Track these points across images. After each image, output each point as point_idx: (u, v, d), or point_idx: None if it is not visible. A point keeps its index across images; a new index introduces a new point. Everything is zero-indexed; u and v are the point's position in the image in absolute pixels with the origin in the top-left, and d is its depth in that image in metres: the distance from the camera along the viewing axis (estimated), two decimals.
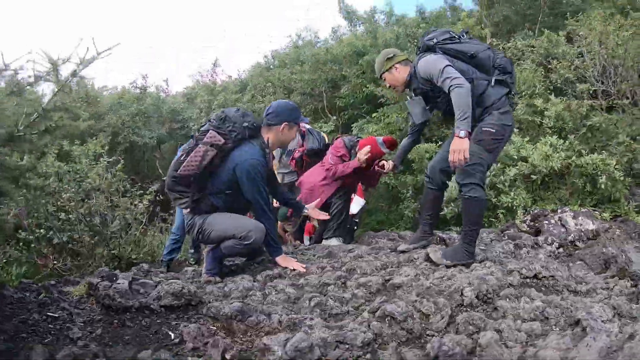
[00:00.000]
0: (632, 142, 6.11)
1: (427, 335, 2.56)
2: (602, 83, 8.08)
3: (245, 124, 3.54)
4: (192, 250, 6.00)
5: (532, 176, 5.74)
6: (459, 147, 3.32)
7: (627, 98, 7.72)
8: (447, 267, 3.45)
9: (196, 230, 3.63)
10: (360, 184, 5.78)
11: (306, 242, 5.87)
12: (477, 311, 2.78)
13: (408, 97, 4.03)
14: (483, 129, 3.56)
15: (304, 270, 3.57)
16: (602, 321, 2.68)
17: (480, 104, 3.58)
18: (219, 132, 3.48)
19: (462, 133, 3.31)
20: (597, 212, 4.99)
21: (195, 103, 18.23)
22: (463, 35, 3.77)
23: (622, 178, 5.27)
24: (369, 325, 2.53)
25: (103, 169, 6.52)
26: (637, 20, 9.40)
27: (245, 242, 3.48)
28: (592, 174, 5.37)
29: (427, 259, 3.60)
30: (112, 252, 5.67)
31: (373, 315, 2.64)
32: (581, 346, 2.48)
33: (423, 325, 2.63)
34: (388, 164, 4.45)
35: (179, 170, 3.46)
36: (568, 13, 10.97)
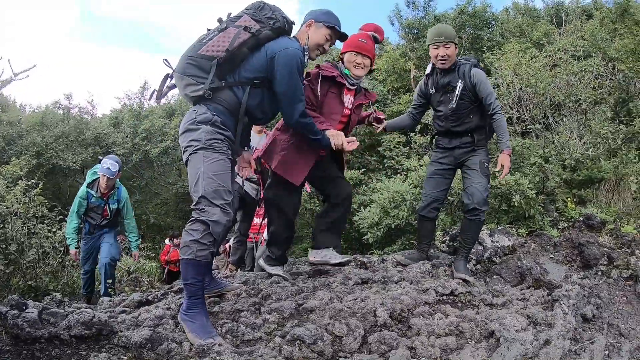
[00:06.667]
0: (544, 163, 6.39)
1: (339, 357, 2.44)
2: (517, 110, 8.51)
3: (284, 16, 3.05)
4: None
5: (449, 198, 5.85)
6: (509, 164, 3.88)
7: (540, 123, 8.16)
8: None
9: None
10: None
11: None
12: (391, 330, 2.70)
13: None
14: (485, 164, 3.98)
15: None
16: (516, 330, 2.68)
17: (481, 131, 4.06)
18: (255, 18, 2.97)
19: (510, 151, 3.90)
20: (513, 229, 5.12)
21: (121, 127, 17.57)
22: None
23: (534, 196, 5.46)
24: (280, 350, 2.44)
25: (21, 192, 6.07)
26: (550, 52, 10.11)
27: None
28: (506, 194, 5.55)
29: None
30: (29, 282, 5.30)
31: (284, 340, 2.51)
32: (495, 356, 2.44)
33: (335, 347, 2.51)
34: (381, 123, 4.11)
35: (201, 50, 2.88)
36: (486, 47, 11.66)
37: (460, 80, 3.92)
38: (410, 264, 4.16)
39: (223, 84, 2.88)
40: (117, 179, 5.95)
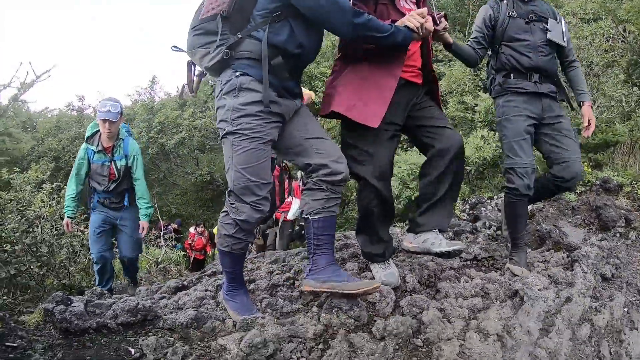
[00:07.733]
0: None
1: (374, 321, 2.60)
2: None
3: None
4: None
5: (466, 167, 5.95)
6: (594, 117, 3.38)
7: None
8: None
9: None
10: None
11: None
12: (421, 294, 2.86)
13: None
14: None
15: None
16: (538, 289, 2.82)
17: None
18: None
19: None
20: None
21: (134, 123, 17.86)
22: None
23: None
24: (318, 318, 2.57)
25: (46, 195, 6.24)
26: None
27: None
28: None
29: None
30: (62, 281, 5.40)
31: (321, 309, 2.67)
32: (520, 313, 2.60)
33: (370, 312, 2.68)
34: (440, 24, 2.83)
35: (201, 15, 2.53)
36: None
37: (550, 13, 3.34)
38: (525, 272, 3.19)
39: (239, 36, 2.45)
40: (124, 130, 4.92)
